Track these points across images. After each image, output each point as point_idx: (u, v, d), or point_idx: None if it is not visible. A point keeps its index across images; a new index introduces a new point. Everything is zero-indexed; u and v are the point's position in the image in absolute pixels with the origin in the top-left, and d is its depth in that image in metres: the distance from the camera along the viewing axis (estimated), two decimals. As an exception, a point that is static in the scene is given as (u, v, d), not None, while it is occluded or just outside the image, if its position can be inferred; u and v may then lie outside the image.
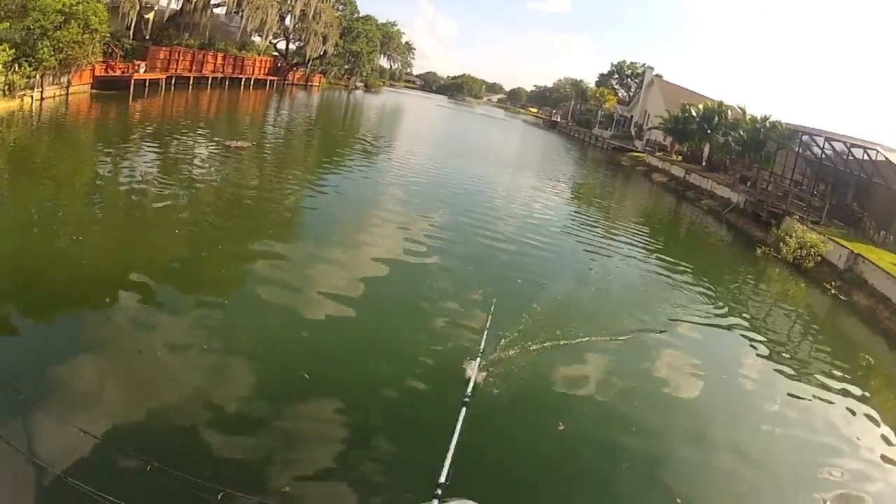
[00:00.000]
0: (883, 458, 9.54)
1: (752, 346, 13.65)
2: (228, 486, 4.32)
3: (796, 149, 34.30)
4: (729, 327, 14.67)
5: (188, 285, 10.49)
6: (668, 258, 20.80)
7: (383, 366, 8.98)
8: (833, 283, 20.27)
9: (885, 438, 10.35)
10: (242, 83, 49.83)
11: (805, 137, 33.53)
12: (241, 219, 15.21)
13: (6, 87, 21.84)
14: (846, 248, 21.85)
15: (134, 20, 35.29)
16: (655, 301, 15.01)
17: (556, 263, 17.20)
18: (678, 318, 14.08)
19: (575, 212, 27.84)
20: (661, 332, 12.78)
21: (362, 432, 7.30)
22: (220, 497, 2.88)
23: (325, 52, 61.79)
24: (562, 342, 10.72)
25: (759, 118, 40.93)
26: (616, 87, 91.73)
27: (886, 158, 27.37)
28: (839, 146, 30.88)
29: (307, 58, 62.97)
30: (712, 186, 38.27)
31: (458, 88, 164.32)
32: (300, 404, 7.61)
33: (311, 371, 8.23)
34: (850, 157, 30.23)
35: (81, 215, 13.16)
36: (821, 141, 32.08)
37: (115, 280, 9.87)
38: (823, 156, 32.94)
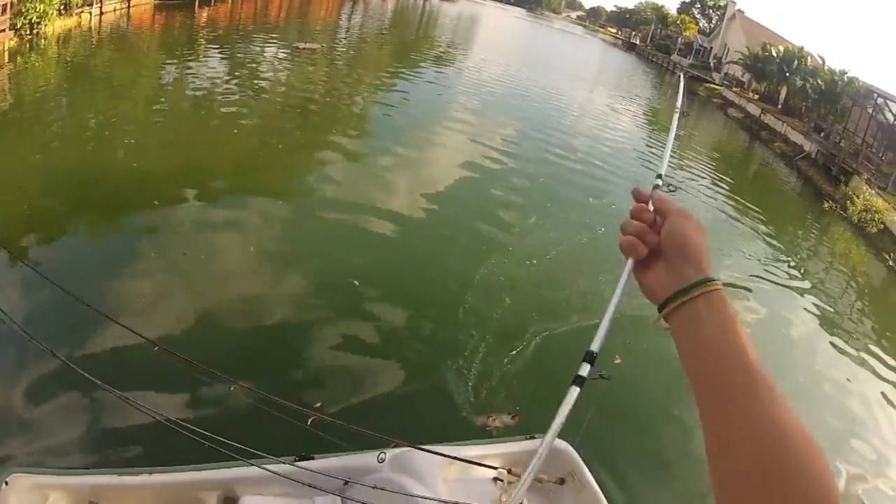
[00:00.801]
0: None
1: (803, 302, 13.43)
2: (313, 408, 3.90)
3: (870, 110, 32.48)
4: (785, 281, 14.38)
5: (247, 186, 10.71)
6: (736, 197, 20.51)
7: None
8: (892, 255, 19.75)
9: None
10: None
11: (879, 100, 31.61)
12: (306, 121, 15.20)
13: (62, 5, 20.28)
14: None
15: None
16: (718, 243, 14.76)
17: (624, 189, 17.27)
18: (737, 264, 13.89)
19: (648, 137, 27.40)
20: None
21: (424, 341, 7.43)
22: (309, 422, 3.05)
23: None
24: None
25: (837, 71, 38.90)
26: (697, 16, 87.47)
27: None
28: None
29: None
30: (786, 130, 36.80)
31: (536, 2, 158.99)
32: (360, 316, 7.62)
33: (365, 280, 8.35)
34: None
35: (143, 122, 13.28)
36: (895, 106, 30.29)
37: (173, 181, 10.09)
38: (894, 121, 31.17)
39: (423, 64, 27.48)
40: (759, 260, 14.91)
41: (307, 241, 9.45)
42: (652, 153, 22.48)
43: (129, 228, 8.74)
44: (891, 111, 31.04)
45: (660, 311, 0.96)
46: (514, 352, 7.41)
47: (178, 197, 9.57)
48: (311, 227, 9.88)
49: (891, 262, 19.44)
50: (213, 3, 30.86)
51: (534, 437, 4.01)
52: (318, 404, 5.31)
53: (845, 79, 37.70)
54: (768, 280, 14.03)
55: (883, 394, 10.44)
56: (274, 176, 11.39)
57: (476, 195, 12.87)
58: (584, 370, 1.09)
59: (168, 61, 19.29)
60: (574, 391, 1.09)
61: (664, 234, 1.00)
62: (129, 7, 25.97)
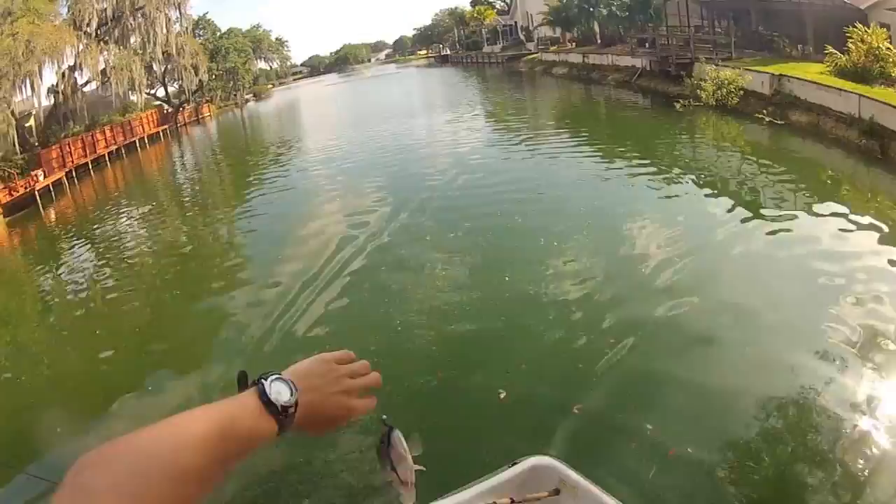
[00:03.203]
0: (886, 258, 8.92)
1: (714, 198, 13.02)
2: None
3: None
4: (684, 190, 13.91)
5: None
6: (599, 145, 19.91)
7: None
8: (765, 111, 19.14)
9: (877, 238, 9.78)
10: (137, 145, 47.46)
11: None
12: (187, 279, 14.02)
13: None
14: (766, 72, 20.70)
15: (15, 135, 33.49)
16: (607, 191, 14.59)
17: (504, 185, 15.98)
18: (633, 200, 13.42)
19: (497, 130, 26.59)
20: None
21: None
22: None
23: (200, 81, 58.66)
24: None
25: None
26: (492, 1, 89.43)
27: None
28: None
29: (186, 94, 59.96)
30: (613, 60, 36.89)
31: (343, 61, 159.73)
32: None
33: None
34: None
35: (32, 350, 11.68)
36: None
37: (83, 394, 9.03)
38: (715, -6, 31.25)
39: (266, 174, 26.19)
40: (652, 187, 14.26)
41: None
42: (510, 145, 21.83)
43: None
44: None
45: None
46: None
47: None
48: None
49: (766, 118, 18.76)
50: (55, 199, 29.98)
51: (514, 463, 4.00)
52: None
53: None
54: (672, 201, 13.27)
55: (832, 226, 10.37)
56: (177, 345, 10.17)
57: (372, 275, 11.21)
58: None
59: (40, 272, 17.90)
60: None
61: None
62: (-17, 232, 24.56)
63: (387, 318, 9.09)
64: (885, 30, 18.14)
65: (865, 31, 17.89)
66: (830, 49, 19.01)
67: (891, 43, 17.86)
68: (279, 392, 0.99)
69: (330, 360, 1.13)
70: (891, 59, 17.09)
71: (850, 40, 18.10)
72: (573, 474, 3.86)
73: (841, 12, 21.28)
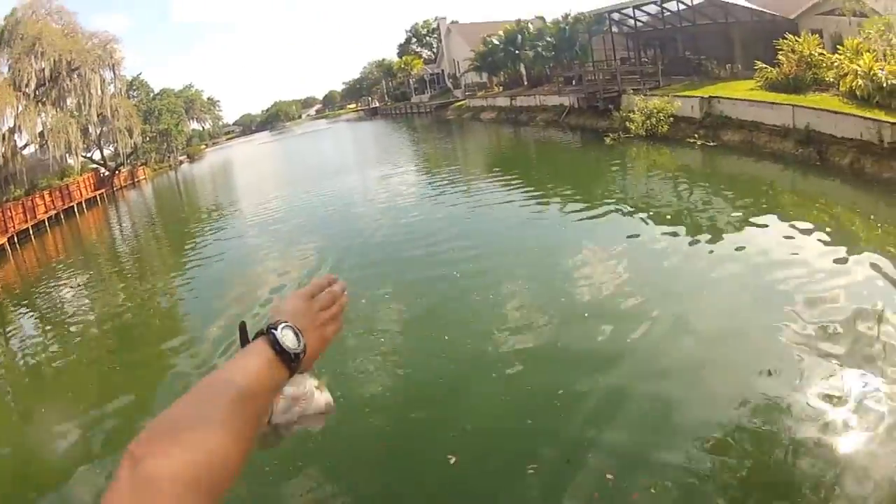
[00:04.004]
0: (831, 258, 9.02)
1: (653, 224, 12.53)
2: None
3: (610, 30, 32.54)
4: (621, 222, 13.28)
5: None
6: (532, 187, 19.02)
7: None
8: (697, 135, 18.87)
9: (821, 242, 9.91)
10: (76, 210, 46.64)
11: (615, 15, 31.93)
12: (129, 342, 13.71)
13: None
14: (694, 96, 20.51)
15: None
16: (536, 233, 13.77)
17: (438, 240, 14.95)
18: (570, 239, 12.71)
19: (430, 182, 25.55)
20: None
21: None
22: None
23: (135, 143, 57.68)
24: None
25: (560, 18, 39.75)
26: (419, 49, 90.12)
27: (702, -2, 26.33)
28: (651, 9, 29.52)
29: (121, 157, 58.86)
30: (541, 100, 36.86)
31: (275, 118, 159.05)
32: None
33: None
34: (666, 13, 28.99)
35: None
36: (630, 11, 30.52)
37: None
38: (640, 24, 31.50)
39: (203, 238, 25.37)
40: (588, 224, 13.69)
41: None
42: (436, 190, 21.60)
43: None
44: (630, 17, 31.17)
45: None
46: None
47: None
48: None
49: (699, 142, 18.39)
50: None
51: None
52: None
53: (570, 20, 38.30)
54: (610, 235, 12.65)
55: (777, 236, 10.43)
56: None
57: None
58: None
59: None
60: None
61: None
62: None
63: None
64: (816, 36, 18.12)
65: (795, 40, 17.97)
66: (760, 64, 18.95)
67: (823, 48, 17.74)
68: (290, 339, 1.00)
69: (307, 296, 1.13)
70: (824, 65, 16.88)
71: (781, 52, 18.06)
72: None
73: (770, 26, 21.47)
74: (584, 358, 7.42)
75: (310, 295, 1.13)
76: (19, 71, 41.90)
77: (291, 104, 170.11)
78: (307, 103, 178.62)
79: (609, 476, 5.19)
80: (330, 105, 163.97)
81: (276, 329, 0.98)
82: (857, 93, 14.77)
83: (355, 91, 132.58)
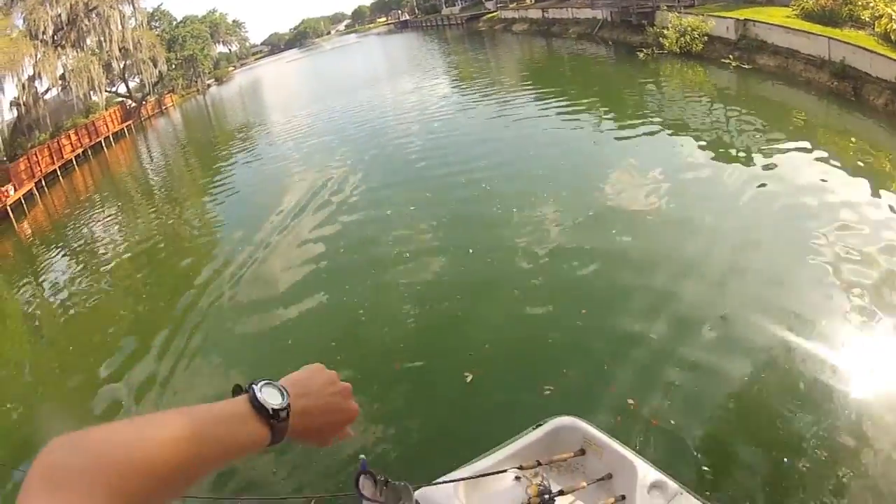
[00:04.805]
0: (867, 191, 9.11)
1: (689, 146, 12.60)
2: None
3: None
4: (657, 138, 13.55)
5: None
6: (569, 101, 19.06)
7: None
8: (732, 56, 18.71)
9: (852, 175, 9.89)
10: (103, 145, 46.74)
11: None
12: (163, 270, 14.02)
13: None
14: (730, 17, 20.11)
15: (-21, 151, 32.39)
16: (579, 149, 14.09)
17: (479, 148, 15.49)
18: (604, 154, 13.12)
19: (464, 94, 25.56)
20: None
21: None
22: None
23: (160, 73, 57.71)
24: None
25: None
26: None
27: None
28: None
29: (147, 87, 58.95)
30: (574, 13, 36.08)
31: (303, 36, 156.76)
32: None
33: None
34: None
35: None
36: None
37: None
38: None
39: (236, 155, 25.83)
40: (620, 139, 13.95)
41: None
42: (478, 108, 20.98)
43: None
44: None
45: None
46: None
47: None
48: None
49: (733, 63, 18.26)
50: (27, 211, 29.56)
51: (539, 425, 4.10)
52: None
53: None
54: (643, 145, 13.14)
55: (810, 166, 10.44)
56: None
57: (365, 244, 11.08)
58: None
59: (22, 287, 17.36)
60: None
61: None
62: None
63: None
64: None
65: None
66: (797, -10, 18.42)
67: None
68: (270, 396, 0.97)
69: (322, 368, 1.10)
70: (860, 2, 16.50)
71: None
72: (597, 433, 3.98)
73: None
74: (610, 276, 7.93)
75: (331, 375, 1.10)
76: (35, 21, 41.96)
77: (320, 21, 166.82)
78: (336, 19, 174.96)
79: (630, 401, 5.59)
80: (360, 20, 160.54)
81: (255, 384, 0.97)
82: (892, 36, 14.49)
83: (384, 5, 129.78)
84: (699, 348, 6.20)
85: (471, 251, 9.39)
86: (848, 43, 14.85)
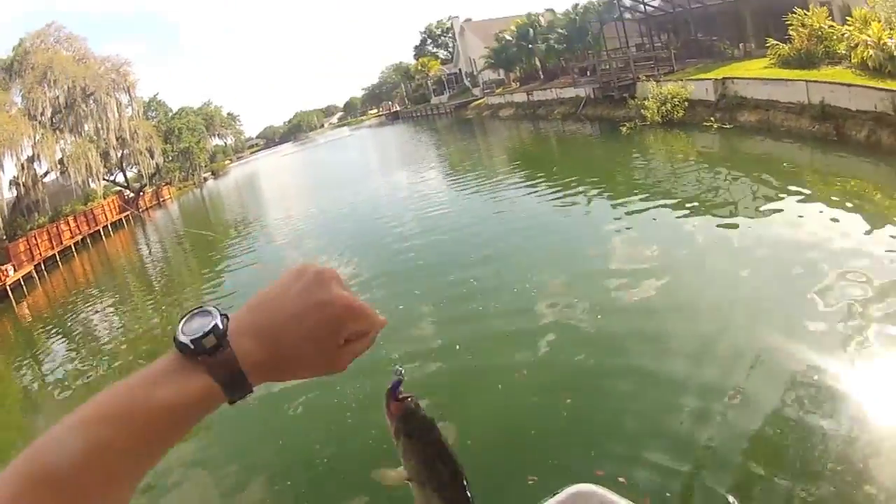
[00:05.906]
0: (863, 232, 9.08)
1: (679, 214, 12.34)
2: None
3: (621, 17, 32.38)
4: (647, 211, 13.16)
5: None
6: (554, 183, 18.79)
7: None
8: (713, 118, 18.72)
9: (846, 218, 9.85)
10: (102, 234, 47.25)
11: (625, 1, 31.75)
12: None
13: None
14: (709, 79, 20.39)
15: (-20, 230, 32.58)
16: (569, 228, 13.92)
17: (476, 240, 15.08)
18: (596, 231, 12.94)
19: (456, 182, 25.40)
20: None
21: None
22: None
23: (157, 164, 58.25)
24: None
25: (570, 9, 39.82)
26: (435, 50, 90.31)
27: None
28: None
29: (144, 178, 59.42)
30: (557, 93, 36.84)
31: (297, 129, 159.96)
32: None
33: None
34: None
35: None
36: None
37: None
38: (650, 9, 31.45)
39: (234, 252, 25.52)
40: (612, 214, 13.83)
41: None
42: (469, 197, 20.87)
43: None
44: (640, 2, 31.06)
45: None
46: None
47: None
48: None
49: (715, 125, 18.28)
50: (26, 293, 29.93)
51: (555, 494, 3.34)
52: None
53: (580, 9, 38.10)
54: (636, 220, 12.77)
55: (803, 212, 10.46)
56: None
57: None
58: None
59: (20, 367, 17.29)
60: None
61: None
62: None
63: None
64: (825, 8, 17.97)
65: (805, 14, 17.76)
66: (772, 41, 18.77)
67: (833, 20, 17.58)
68: (192, 326, 0.71)
69: (305, 267, 0.77)
70: (835, 37, 16.72)
71: (791, 27, 17.90)
72: (618, 500, 3.53)
73: (779, 1, 21.11)
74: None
75: (318, 273, 0.77)
76: (33, 100, 42.57)
77: (313, 114, 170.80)
78: (328, 111, 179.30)
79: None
80: (351, 112, 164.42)
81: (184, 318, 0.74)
82: (869, 63, 14.59)
83: (375, 96, 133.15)
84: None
85: (458, 347, 8.93)
86: (825, 82, 14.92)
